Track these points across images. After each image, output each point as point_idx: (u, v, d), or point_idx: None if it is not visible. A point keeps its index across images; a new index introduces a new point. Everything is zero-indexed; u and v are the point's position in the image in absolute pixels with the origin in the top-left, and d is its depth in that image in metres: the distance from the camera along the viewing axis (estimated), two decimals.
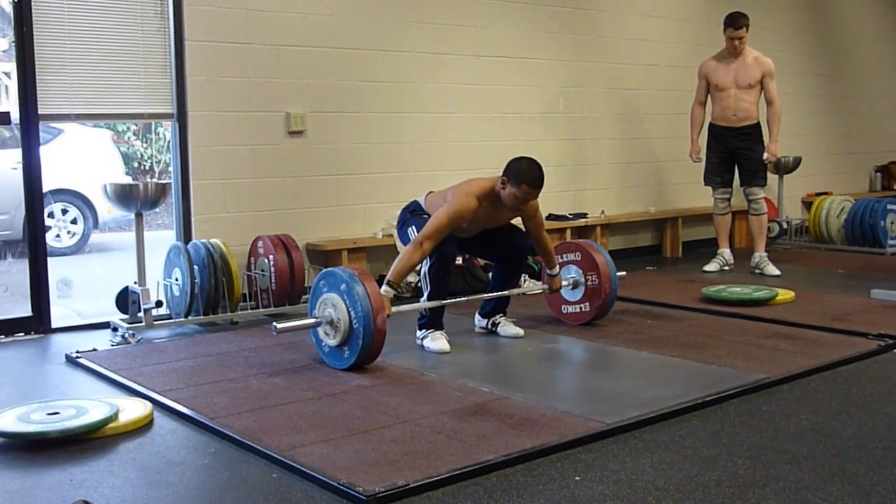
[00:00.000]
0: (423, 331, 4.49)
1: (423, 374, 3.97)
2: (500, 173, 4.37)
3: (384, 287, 4.15)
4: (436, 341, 4.41)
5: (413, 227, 4.51)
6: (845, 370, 4.03)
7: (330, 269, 4.17)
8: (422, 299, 4.49)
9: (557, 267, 4.85)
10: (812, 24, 9.29)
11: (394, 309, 4.16)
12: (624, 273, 5.06)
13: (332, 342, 4.04)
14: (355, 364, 3.97)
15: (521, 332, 4.72)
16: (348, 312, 3.94)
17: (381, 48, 6.04)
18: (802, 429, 3.22)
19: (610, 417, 3.29)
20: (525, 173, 4.32)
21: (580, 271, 4.91)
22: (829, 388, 3.76)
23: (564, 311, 5.01)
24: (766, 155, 6.53)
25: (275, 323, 3.99)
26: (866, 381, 3.86)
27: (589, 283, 4.88)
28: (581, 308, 4.93)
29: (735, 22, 6.45)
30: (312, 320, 4.10)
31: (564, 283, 4.91)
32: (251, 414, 3.42)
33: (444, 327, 4.52)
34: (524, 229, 4.70)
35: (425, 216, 4.48)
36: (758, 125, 6.61)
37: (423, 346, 4.45)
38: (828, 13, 9.55)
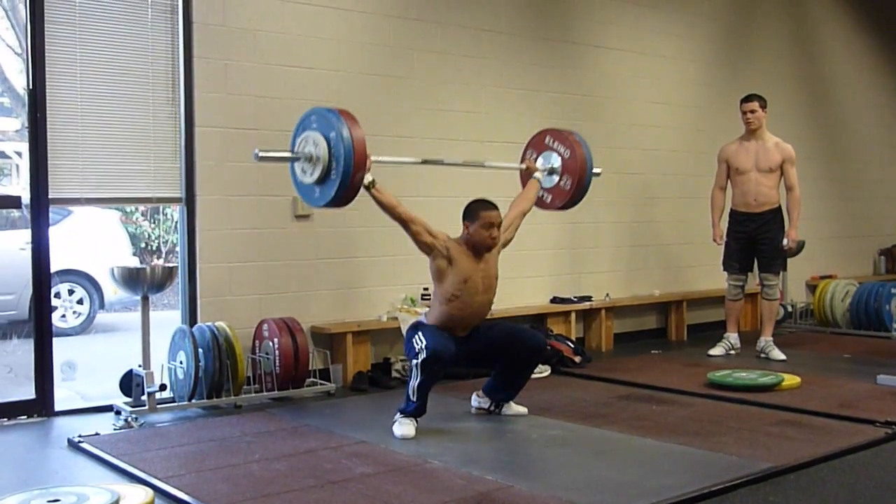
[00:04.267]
0: (399, 415, 4.45)
1: (427, 462, 3.93)
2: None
3: (369, 178, 4.27)
4: (402, 427, 4.38)
5: (420, 333, 4.47)
6: (853, 459, 4.00)
7: (324, 110, 4.24)
8: (410, 383, 4.42)
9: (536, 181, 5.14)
10: (812, 108, 9.42)
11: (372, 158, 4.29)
12: (599, 170, 5.23)
13: (308, 179, 4.18)
14: (324, 205, 4.21)
15: (524, 410, 4.70)
16: (329, 158, 4.08)
17: (388, 134, 6.13)
18: None
19: None
20: (474, 205, 4.65)
21: (561, 164, 5.12)
22: (837, 477, 3.72)
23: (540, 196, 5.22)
24: (785, 241, 6.55)
25: (257, 150, 4.22)
26: (874, 471, 3.82)
27: (561, 182, 5.12)
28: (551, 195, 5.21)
29: (747, 97, 6.63)
30: (289, 154, 4.29)
31: (541, 168, 5.16)
32: (253, 502, 3.39)
33: (423, 413, 4.47)
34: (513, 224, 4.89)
35: (431, 326, 4.55)
36: (779, 210, 6.62)
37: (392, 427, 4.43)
38: (827, 98, 9.70)
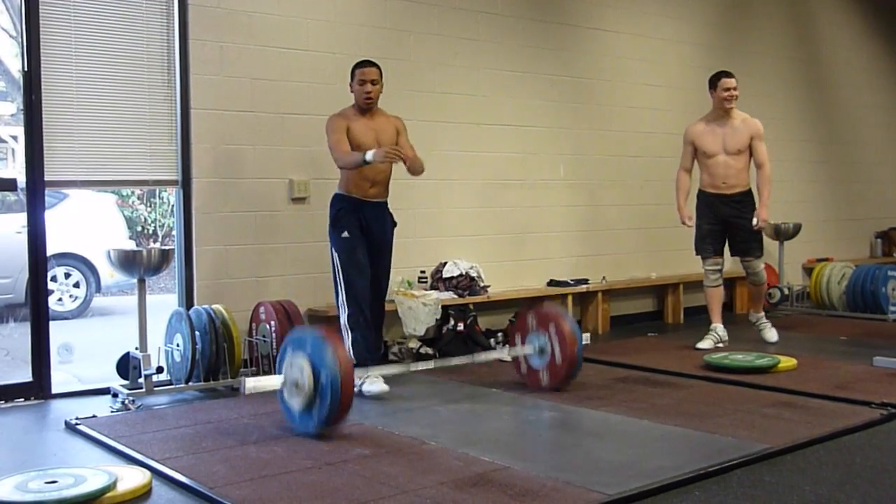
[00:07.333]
0: (360, 377, 4.53)
1: (424, 443, 3.94)
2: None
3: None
4: (374, 384, 4.43)
5: (333, 248, 4.91)
6: (848, 440, 4.01)
7: (322, 349, 3.99)
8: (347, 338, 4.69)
9: None
10: (809, 91, 9.41)
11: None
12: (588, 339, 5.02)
13: (293, 403, 4.05)
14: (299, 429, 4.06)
15: (385, 388, 4.73)
16: (314, 394, 3.94)
17: None
18: (806, 500, 3.20)
19: (612, 488, 3.27)
20: (355, 66, 4.95)
21: (548, 343, 4.86)
22: (833, 458, 3.74)
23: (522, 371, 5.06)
24: (755, 221, 6.22)
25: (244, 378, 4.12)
26: (870, 451, 3.83)
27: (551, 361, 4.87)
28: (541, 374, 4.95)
29: (728, 73, 6.25)
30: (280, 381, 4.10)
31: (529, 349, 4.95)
32: (250, 483, 3.40)
33: (378, 361, 4.69)
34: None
35: (339, 226, 4.89)
36: (751, 192, 6.34)
37: (361, 391, 4.47)
38: (824, 81, 9.68)
